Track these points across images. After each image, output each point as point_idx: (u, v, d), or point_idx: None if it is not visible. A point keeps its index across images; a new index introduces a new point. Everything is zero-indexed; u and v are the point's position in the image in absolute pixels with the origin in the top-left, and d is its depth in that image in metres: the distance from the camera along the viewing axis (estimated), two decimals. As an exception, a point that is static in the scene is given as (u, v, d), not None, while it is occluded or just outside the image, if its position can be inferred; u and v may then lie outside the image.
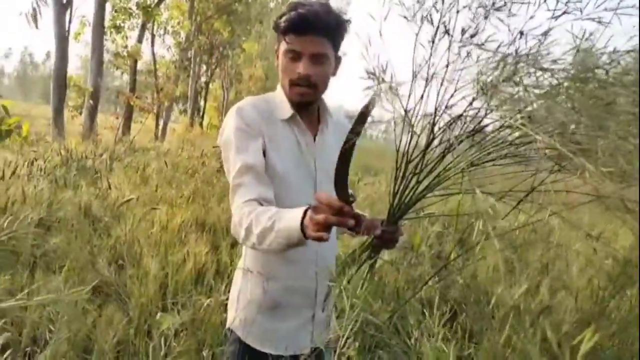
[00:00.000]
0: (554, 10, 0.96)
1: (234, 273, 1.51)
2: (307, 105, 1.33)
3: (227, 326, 1.44)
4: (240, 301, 1.38)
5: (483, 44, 1.05)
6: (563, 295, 3.41)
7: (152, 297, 2.58)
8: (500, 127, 1.05)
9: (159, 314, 2.49)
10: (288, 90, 1.29)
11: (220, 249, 3.53)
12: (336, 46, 1.30)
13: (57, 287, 2.24)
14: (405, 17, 1.07)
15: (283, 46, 1.27)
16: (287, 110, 1.32)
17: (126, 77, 13.71)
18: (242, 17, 15.53)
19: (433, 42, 1.09)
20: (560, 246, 4.49)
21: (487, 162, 1.10)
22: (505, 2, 1.00)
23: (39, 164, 5.80)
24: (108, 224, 3.69)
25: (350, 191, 0.93)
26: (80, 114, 10.50)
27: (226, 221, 4.11)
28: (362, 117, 0.84)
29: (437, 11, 1.06)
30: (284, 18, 1.24)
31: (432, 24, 1.07)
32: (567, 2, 0.95)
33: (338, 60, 1.34)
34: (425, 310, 2.75)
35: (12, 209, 3.22)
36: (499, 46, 1.00)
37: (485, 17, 1.04)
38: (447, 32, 1.06)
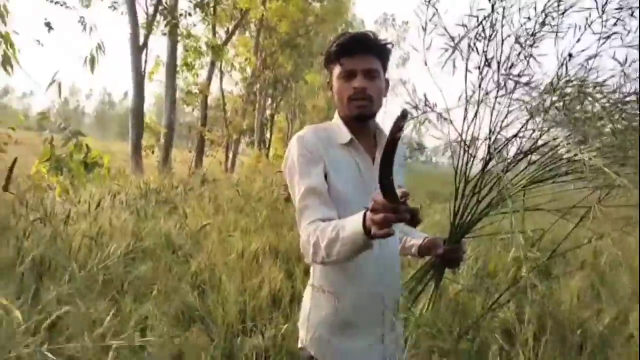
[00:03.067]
0: (600, 33, 0.97)
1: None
2: (366, 120, 1.39)
3: (299, 345, 1.46)
4: (311, 320, 1.40)
5: (520, 76, 1.08)
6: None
7: (233, 321, 2.66)
8: (556, 146, 1.05)
9: (239, 338, 2.59)
10: (346, 107, 1.36)
11: (295, 275, 3.58)
12: (384, 65, 1.38)
13: (147, 312, 2.38)
14: (450, 46, 1.11)
15: (337, 70, 1.37)
16: (345, 135, 1.38)
17: (196, 113, 14.39)
18: (304, 50, 16.04)
19: (480, 69, 1.11)
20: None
21: (546, 179, 1.09)
22: (552, 28, 1.02)
23: (120, 197, 6.19)
24: (188, 251, 3.85)
25: (402, 189, 0.95)
26: (153, 152, 11.06)
27: (298, 247, 4.18)
28: (398, 122, 0.86)
29: (480, 40, 1.09)
30: (334, 44, 1.36)
31: (477, 52, 1.10)
32: (613, 26, 0.97)
33: (387, 82, 1.42)
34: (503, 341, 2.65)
35: (102, 240, 3.45)
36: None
37: (532, 45, 1.06)
38: (489, 63, 1.09)
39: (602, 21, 0.99)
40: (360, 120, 1.38)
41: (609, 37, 0.98)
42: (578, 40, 1.02)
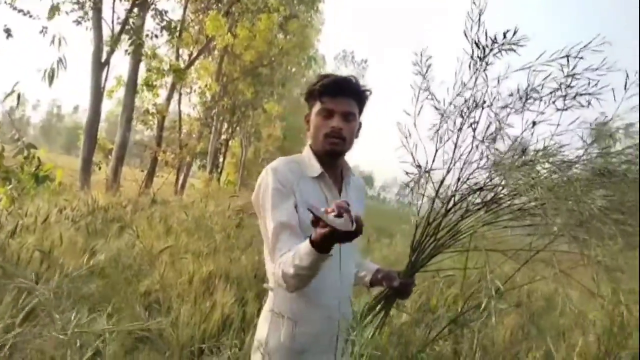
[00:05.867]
0: (562, 109, 1.20)
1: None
2: (336, 157, 1.51)
3: None
4: (269, 345, 1.45)
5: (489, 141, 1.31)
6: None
7: (186, 342, 2.70)
8: (514, 195, 1.26)
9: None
10: (321, 143, 1.48)
11: (246, 300, 3.64)
12: (360, 110, 1.52)
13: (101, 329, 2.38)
14: (436, 108, 1.32)
15: (317, 107, 1.48)
16: (316, 169, 1.49)
17: (147, 132, 14.21)
18: (265, 79, 16.26)
19: (460, 129, 1.33)
20: (577, 314, 4.53)
21: (497, 221, 1.28)
22: (523, 103, 1.24)
23: (66, 213, 6.04)
24: (139, 271, 3.84)
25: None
26: (100, 168, 10.80)
27: (250, 272, 4.27)
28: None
29: (468, 108, 1.31)
30: (318, 84, 1.47)
31: (461, 116, 1.31)
32: (572, 99, 1.20)
33: (360, 125, 1.54)
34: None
35: (54, 254, 3.41)
36: (517, 139, 1.26)
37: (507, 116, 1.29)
38: (471, 126, 1.30)
39: (564, 99, 1.21)
40: (331, 156, 1.49)
41: (566, 109, 1.20)
42: (542, 112, 1.23)
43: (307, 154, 1.54)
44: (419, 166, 1.32)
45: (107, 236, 5.00)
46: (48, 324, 1.74)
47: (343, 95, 1.45)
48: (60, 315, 1.78)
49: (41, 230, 4.43)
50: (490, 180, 1.30)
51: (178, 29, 11.11)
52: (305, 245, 1.20)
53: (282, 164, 1.48)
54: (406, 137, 1.31)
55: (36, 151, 4.73)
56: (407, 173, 1.30)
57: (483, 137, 1.31)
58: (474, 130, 1.32)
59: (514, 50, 1.19)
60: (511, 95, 1.26)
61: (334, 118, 1.44)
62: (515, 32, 1.18)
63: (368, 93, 1.52)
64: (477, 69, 1.27)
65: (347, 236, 1.07)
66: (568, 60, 1.14)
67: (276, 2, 14.23)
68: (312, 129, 1.51)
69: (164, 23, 10.25)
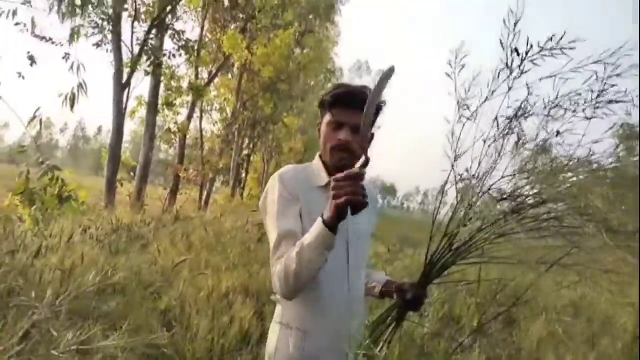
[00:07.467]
0: (590, 118, 1.17)
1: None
2: (343, 170, 1.41)
3: None
4: (277, 357, 1.42)
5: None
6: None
7: (202, 358, 2.68)
8: (538, 204, 1.21)
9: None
10: (329, 155, 1.44)
11: (264, 314, 3.62)
12: (373, 121, 1.43)
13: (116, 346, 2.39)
14: (469, 119, 1.30)
15: (327, 118, 1.44)
16: (323, 178, 1.45)
17: (171, 151, 14.43)
18: (284, 94, 16.33)
19: (495, 140, 1.30)
20: (606, 321, 4.38)
21: (511, 233, 1.23)
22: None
23: (91, 232, 6.15)
24: (159, 288, 3.86)
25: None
26: (122, 185, 10.97)
27: (269, 286, 4.25)
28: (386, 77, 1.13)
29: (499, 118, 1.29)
30: (330, 94, 1.44)
31: (497, 127, 1.28)
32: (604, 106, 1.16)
33: (372, 135, 1.46)
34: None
35: (73, 273, 3.45)
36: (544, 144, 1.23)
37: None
38: (518, 137, 1.29)
39: (593, 107, 1.17)
40: (337, 171, 1.39)
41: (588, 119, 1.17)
42: (570, 122, 1.20)
43: (316, 162, 1.51)
44: (473, 176, 1.31)
45: (128, 254, 5.05)
46: (45, 342, 1.75)
47: (354, 107, 1.39)
48: (57, 333, 1.78)
49: (64, 250, 4.50)
50: (517, 190, 1.26)
51: (196, 48, 11.30)
52: (313, 227, 1.22)
53: (290, 172, 1.46)
54: (451, 144, 1.30)
55: (60, 172, 4.85)
56: (460, 177, 1.29)
57: (534, 146, 1.29)
58: (519, 139, 1.30)
59: (565, 54, 1.15)
60: (550, 102, 1.25)
61: (343, 130, 1.40)
62: (562, 36, 1.15)
63: (382, 104, 1.45)
64: (514, 78, 1.24)
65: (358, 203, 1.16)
66: (605, 67, 1.10)
67: (290, 16, 14.34)
68: (321, 140, 1.47)
69: (182, 43, 10.43)
